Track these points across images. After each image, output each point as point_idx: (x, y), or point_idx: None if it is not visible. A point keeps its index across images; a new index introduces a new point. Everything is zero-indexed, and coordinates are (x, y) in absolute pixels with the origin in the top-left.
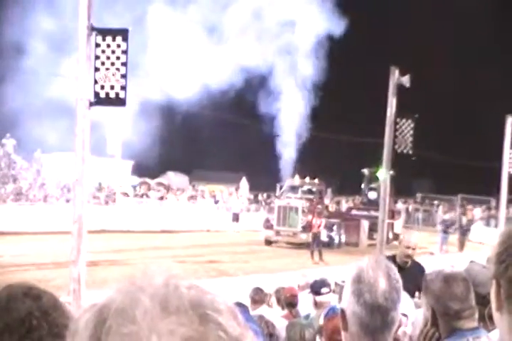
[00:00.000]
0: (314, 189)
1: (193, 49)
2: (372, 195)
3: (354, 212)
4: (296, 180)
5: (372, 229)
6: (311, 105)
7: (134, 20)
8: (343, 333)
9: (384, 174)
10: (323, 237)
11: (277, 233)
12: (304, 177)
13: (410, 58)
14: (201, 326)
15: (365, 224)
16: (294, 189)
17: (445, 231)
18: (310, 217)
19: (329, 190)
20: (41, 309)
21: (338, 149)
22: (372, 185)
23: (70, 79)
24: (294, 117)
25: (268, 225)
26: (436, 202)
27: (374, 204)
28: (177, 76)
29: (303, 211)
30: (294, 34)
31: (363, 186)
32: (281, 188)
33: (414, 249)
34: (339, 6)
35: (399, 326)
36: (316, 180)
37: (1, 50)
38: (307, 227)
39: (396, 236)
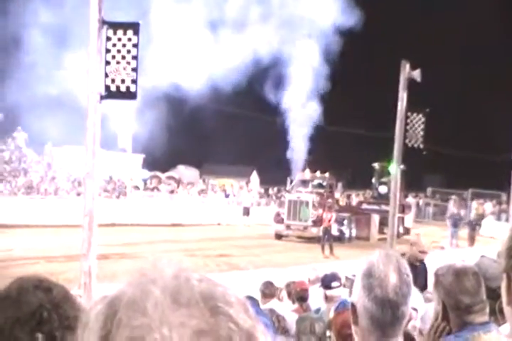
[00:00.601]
0: (325, 183)
1: (200, 40)
2: (382, 189)
3: (365, 206)
4: (307, 174)
5: (383, 223)
6: (322, 99)
7: (138, 13)
8: (353, 327)
9: (395, 168)
10: (334, 231)
11: (288, 227)
12: (315, 172)
13: (422, 52)
14: (212, 318)
15: (375, 218)
16: (304, 183)
17: (454, 226)
18: (320, 211)
19: (340, 184)
20: (52, 301)
21: (349, 143)
22: (383, 179)
23: (79, 72)
24: (305, 111)
25: (278, 219)
26: (453, 196)
27: (384, 199)
28: (186, 69)
29: (313, 205)
30: (304, 26)
31: (373, 180)
32: (291, 182)
33: (427, 253)
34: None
35: (409, 320)
36: (327, 174)
37: (5, 44)
38: (318, 221)
39: (407, 231)
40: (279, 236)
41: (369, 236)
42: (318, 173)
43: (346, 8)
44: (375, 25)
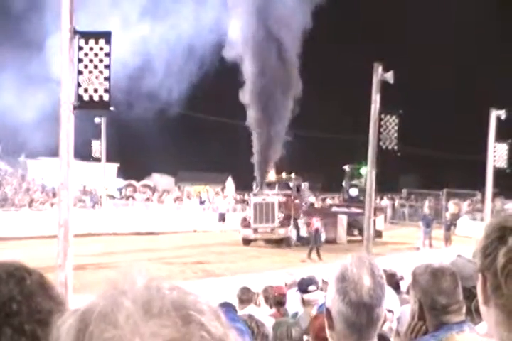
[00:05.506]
0: (291, 184)
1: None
2: (353, 192)
3: (335, 208)
4: (272, 176)
5: (352, 225)
6: (295, 103)
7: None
8: (328, 332)
9: (369, 171)
10: (303, 233)
11: (255, 231)
12: (281, 173)
13: (394, 53)
14: (184, 327)
15: (343, 220)
16: (270, 185)
17: (427, 226)
18: (287, 212)
19: (314, 187)
20: (24, 293)
21: (324, 147)
22: (354, 182)
23: (53, 82)
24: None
25: (245, 224)
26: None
27: (355, 201)
28: (157, 75)
29: (279, 206)
30: (277, 27)
31: (344, 183)
32: (257, 185)
33: None
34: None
35: (384, 321)
36: (293, 175)
37: None
38: (285, 222)
39: (379, 233)
40: (247, 242)
41: (336, 239)
42: (284, 175)
43: (318, 10)
44: (347, 27)
